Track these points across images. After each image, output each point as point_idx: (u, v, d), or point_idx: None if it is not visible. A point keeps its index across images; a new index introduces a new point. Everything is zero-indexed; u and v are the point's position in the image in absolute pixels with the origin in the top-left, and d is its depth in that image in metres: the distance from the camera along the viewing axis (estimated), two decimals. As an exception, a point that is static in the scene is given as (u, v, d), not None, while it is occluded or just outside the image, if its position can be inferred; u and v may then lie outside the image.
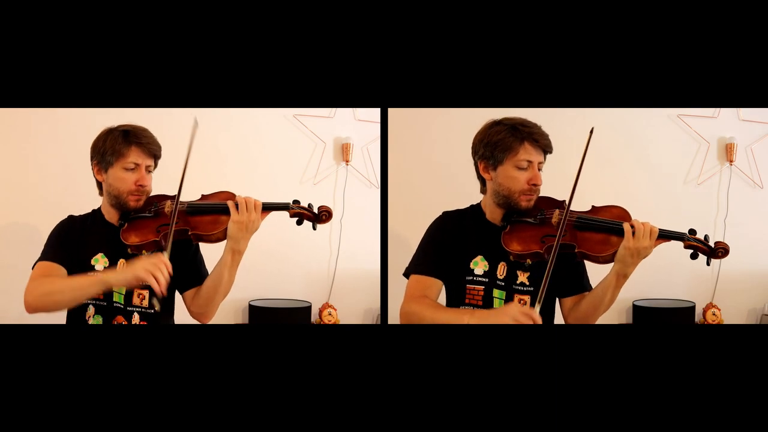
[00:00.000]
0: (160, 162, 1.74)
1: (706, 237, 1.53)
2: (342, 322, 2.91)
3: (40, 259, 1.67)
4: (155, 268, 1.49)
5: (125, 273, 1.54)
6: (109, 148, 1.65)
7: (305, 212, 1.66)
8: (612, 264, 1.54)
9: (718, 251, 1.52)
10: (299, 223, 1.67)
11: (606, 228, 1.55)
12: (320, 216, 1.66)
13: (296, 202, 1.67)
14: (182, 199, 1.64)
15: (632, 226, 1.49)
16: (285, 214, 1.66)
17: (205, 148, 2.76)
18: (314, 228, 1.68)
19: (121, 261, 1.67)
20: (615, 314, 2.87)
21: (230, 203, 1.59)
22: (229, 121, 2.81)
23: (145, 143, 1.66)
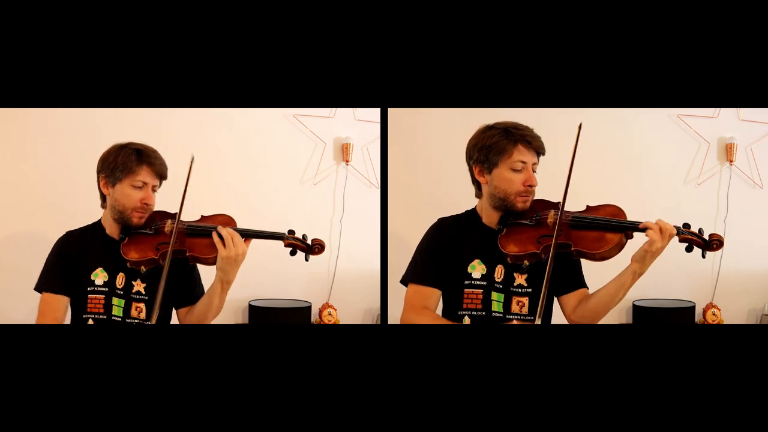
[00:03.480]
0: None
1: (700, 230, 1.54)
2: (342, 322, 2.91)
3: (43, 288, 1.71)
4: None
5: None
6: (120, 164, 1.68)
7: (299, 243, 1.67)
8: (606, 261, 1.56)
9: (713, 243, 1.52)
10: (293, 253, 1.69)
11: (600, 225, 1.56)
12: (313, 248, 1.68)
13: (291, 232, 1.68)
14: (183, 218, 1.69)
15: (660, 229, 1.49)
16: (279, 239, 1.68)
17: (205, 148, 2.76)
18: (306, 259, 1.69)
19: (120, 274, 1.72)
20: (615, 314, 2.87)
21: (215, 238, 1.61)
22: (229, 121, 2.81)
23: (156, 164, 1.71)
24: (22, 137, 2.56)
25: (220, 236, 1.61)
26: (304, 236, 1.69)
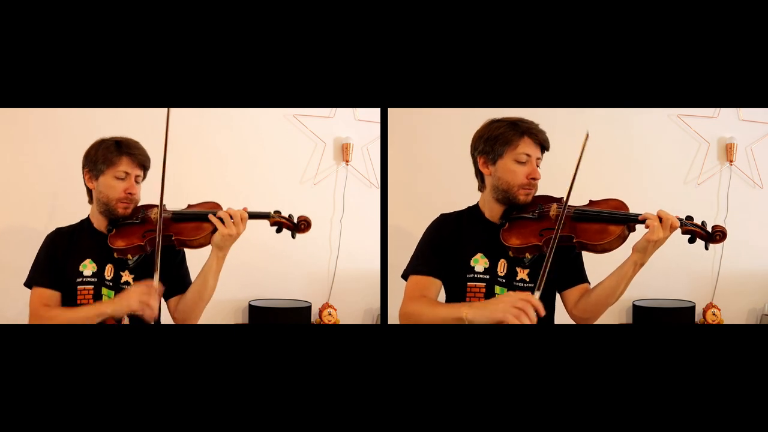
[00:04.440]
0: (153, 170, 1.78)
1: (703, 222, 1.54)
2: (342, 322, 2.91)
3: (34, 283, 1.72)
4: (147, 298, 1.59)
5: (120, 304, 1.62)
6: (101, 157, 1.72)
7: (284, 221, 1.71)
8: (609, 254, 1.56)
9: (716, 235, 1.52)
10: (278, 231, 1.72)
11: (603, 217, 1.57)
12: (299, 225, 1.71)
13: (277, 212, 1.72)
14: (170, 209, 1.71)
15: (659, 218, 1.49)
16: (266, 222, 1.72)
17: (205, 148, 2.76)
18: (293, 236, 1.73)
19: (109, 265, 1.73)
20: (615, 314, 2.87)
21: (214, 218, 1.65)
22: (229, 121, 2.81)
23: (136, 154, 1.74)
24: (22, 137, 2.57)
25: (220, 218, 1.64)
26: (290, 215, 1.72)
